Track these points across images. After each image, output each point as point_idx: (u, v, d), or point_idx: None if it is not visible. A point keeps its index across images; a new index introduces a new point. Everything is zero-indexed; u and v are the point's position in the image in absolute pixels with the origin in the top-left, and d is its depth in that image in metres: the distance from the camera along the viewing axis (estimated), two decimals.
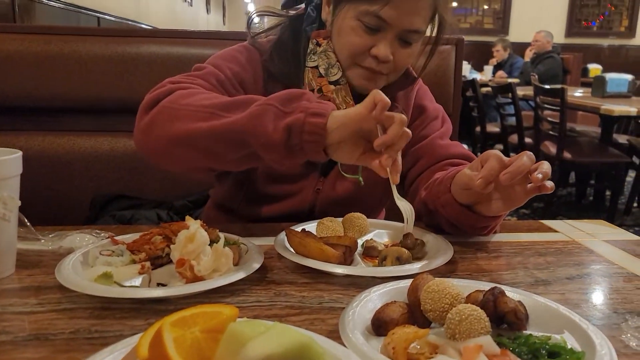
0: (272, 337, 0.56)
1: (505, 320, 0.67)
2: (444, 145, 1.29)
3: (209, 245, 0.83)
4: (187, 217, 0.85)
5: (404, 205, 0.95)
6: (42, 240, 0.93)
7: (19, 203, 0.83)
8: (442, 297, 0.68)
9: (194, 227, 0.82)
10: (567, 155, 4.11)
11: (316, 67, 1.18)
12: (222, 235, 0.82)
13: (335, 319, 0.73)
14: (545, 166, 0.91)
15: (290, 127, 0.88)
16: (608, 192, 4.68)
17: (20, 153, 0.83)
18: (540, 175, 0.89)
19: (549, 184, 0.91)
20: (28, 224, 0.93)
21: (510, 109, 4.82)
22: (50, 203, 1.65)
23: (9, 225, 0.81)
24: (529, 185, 0.93)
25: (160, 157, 1.02)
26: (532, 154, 0.93)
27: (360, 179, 1.22)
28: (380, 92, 0.87)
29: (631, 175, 4.82)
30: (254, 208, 1.28)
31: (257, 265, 0.85)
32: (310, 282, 0.86)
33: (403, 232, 0.98)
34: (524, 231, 1.16)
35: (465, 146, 1.35)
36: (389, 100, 0.86)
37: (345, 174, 1.22)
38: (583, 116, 5.65)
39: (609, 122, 4.29)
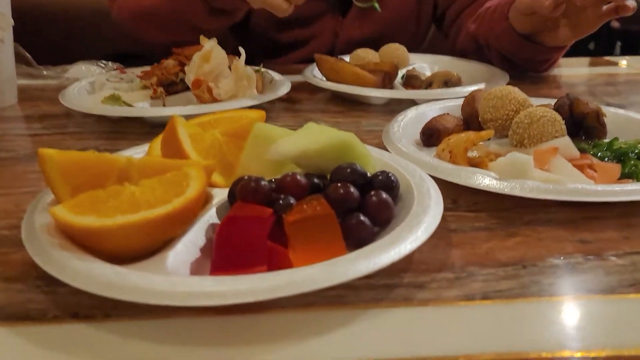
0: (306, 134, 0.46)
1: (584, 125, 0.56)
2: None
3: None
4: (202, 37, 0.73)
5: None
6: (45, 73, 0.83)
7: (12, 22, 0.72)
8: (506, 103, 0.57)
9: (210, 45, 0.71)
10: (614, 23, 3.75)
11: None
12: (242, 51, 0.71)
13: (376, 139, 0.64)
14: None
15: None
16: None
17: None
18: None
19: (631, 3, 0.75)
20: (28, 56, 0.84)
21: None
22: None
23: (4, 46, 0.72)
24: (605, 6, 0.78)
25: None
26: None
27: (376, 5, 1.05)
28: None
29: None
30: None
31: (285, 90, 0.74)
32: (344, 110, 0.76)
33: None
34: (584, 66, 1.02)
35: None
36: None
37: (357, 3, 1.05)
38: None
39: None
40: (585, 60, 1.09)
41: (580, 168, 0.48)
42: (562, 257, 0.40)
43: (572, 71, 0.98)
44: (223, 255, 0.35)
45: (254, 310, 0.34)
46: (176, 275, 0.34)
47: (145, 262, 0.35)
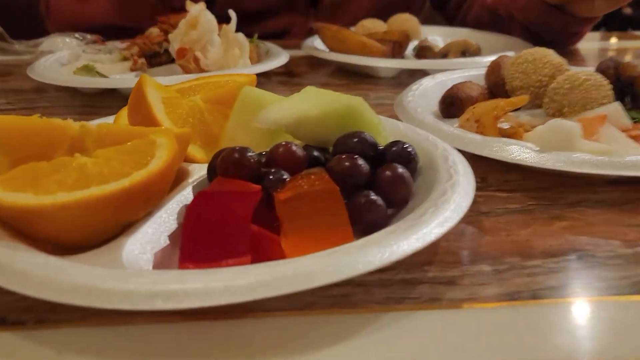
0: (304, 98, 0.38)
1: (632, 91, 0.47)
2: None
3: None
4: (188, 2, 0.65)
5: None
6: (17, 46, 0.76)
7: None
8: (539, 68, 0.49)
9: (197, 9, 0.63)
10: (626, 9, 3.63)
11: None
12: (232, 14, 0.62)
13: (386, 113, 0.56)
14: None
15: None
16: None
17: None
18: None
19: None
20: (1, 29, 0.76)
21: None
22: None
23: None
24: None
25: None
26: None
27: None
28: None
29: None
30: None
31: (283, 61, 0.66)
32: (349, 83, 0.68)
33: None
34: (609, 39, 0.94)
35: None
36: None
37: None
38: None
39: None
40: (604, 34, 1.01)
41: (635, 139, 0.40)
42: (623, 246, 0.32)
43: (598, 44, 0.89)
44: (194, 242, 0.27)
45: (233, 314, 0.26)
46: (132, 269, 0.27)
47: (96, 252, 0.28)
